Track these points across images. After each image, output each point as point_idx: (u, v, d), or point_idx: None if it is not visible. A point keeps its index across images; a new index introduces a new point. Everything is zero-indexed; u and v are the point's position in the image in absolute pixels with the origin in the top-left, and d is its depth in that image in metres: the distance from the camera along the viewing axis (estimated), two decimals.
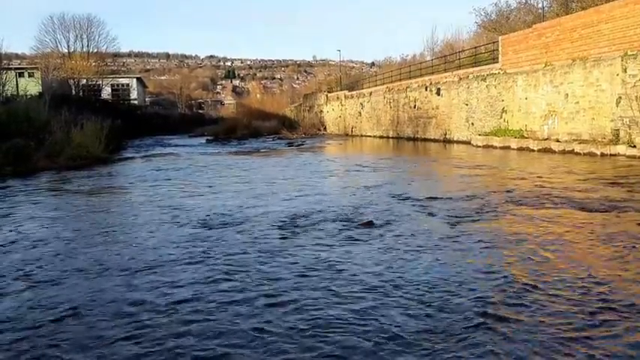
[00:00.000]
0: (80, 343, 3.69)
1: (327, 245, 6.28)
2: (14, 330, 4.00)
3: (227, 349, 3.55)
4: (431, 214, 7.82)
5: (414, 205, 8.55)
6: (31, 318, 4.22)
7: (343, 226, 7.25)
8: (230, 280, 5.12)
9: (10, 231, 7.62)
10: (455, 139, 25.39)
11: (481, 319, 3.97)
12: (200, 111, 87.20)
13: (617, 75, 15.95)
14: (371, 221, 7.41)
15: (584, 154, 15.77)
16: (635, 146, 14.89)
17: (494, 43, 25.06)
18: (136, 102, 60.60)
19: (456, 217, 7.56)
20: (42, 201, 10.44)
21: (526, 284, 4.71)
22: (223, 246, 6.42)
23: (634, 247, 5.76)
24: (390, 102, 34.16)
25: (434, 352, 3.43)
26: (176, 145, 24.73)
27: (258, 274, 5.25)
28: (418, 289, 4.70)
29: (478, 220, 7.38)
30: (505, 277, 4.95)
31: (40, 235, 7.27)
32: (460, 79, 25.70)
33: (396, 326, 3.89)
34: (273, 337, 3.72)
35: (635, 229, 6.50)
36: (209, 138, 29.94)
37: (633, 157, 14.38)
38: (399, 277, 5.01)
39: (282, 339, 3.69)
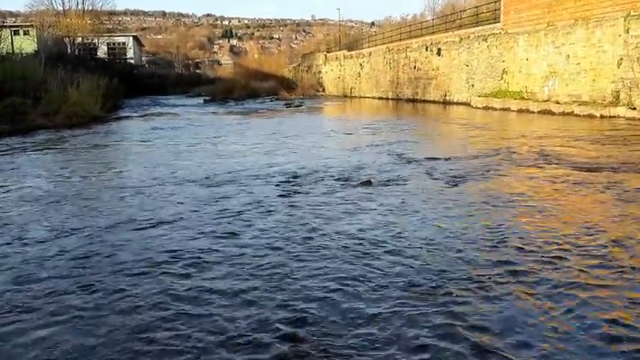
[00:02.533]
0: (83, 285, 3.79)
1: (325, 204, 6.32)
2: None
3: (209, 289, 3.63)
4: (430, 174, 7.84)
5: (412, 166, 8.57)
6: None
7: (341, 185, 7.28)
8: (230, 237, 5.18)
9: (12, 187, 7.65)
10: (454, 100, 25.24)
11: (473, 277, 4.05)
12: (197, 71, 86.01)
13: (620, 36, 15.75)
14: (369, 180, 7.44)
15: (584, 116, 15.72)
16: (635, 108, 14.83)
17: (496, 2, 24.63)
18: (132, 61, 59.76)
19: (455, 177, 7.59)
20: (41, 158, 10.44)
21: (519, 241, 4.78)
22: (222, 203, 6.46)
23: (630, 202, 5.83)
24: (389, 62, 33.77)
25: (421, 307, 3.52)
26: (173, 105, 24.54)
27: (256, 231, 5.31)
28: (413, 246, 4.76)
29: (476, 180, 7.41)
30: (502, 234, 5.01)
31: (42, 192, 7.30)
32: (461, 39, 25.36)
33: (382, 286, 3.97)
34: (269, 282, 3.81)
35: (632, 185, 6.55)
36: (206, 98, 29.67)
37: (633, 119, 14.34)
38: (394, 235, 5.07)
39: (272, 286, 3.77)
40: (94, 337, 3.12)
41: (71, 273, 4.22)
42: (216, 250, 4.73)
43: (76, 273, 4.21)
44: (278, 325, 3.24)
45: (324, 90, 48.21)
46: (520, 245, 4.67)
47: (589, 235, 4.89)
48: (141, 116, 19.34)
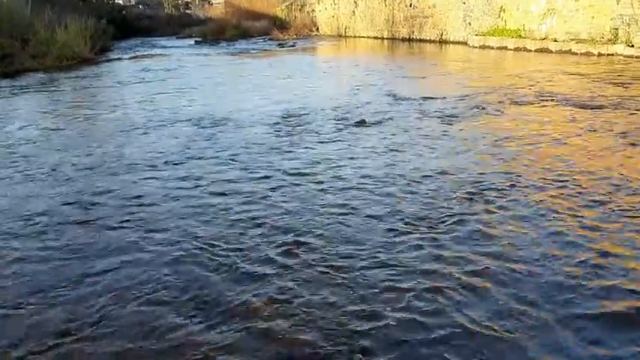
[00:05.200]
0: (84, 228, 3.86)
1: (319, 143, 6.34)
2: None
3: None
4: (425, 113, 7.82)
5: (408, 105, 8.52)
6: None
7: (336, 124, 7.27)
8: (226, 176, 5.22)
9: (6, 129, 7.61)
10: (451, 39, 24.77)
11: (465, 210, 4.13)
12: (187, 11, 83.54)
13: None
14: (363, 120, 7.42)
15: (581, 54, 15.53)
16: (632, 46, 14.64)
17: None
18: (120, 2, 58.00)
19: (451, 115, 7.58)
20: (33, 100, 10.31)
21: (513, 176, 4.84)
22: (218, 144, 6.47)
23: (624, 138, 5.87)
24: (384, 0, 32.89)
25: (424, 234, 3.61)
26: (163, 47, 24.03)
27: (252, 171, 5.35)
28: (407, 182, 4.82)
29: (472, 118, 7.41)
30: (494, 170, 5.07)
31: (36, 134, 7.27)
32: None
33: (374, 216, 4.05)
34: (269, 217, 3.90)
35: (628, 122, 6.57)
36: (197, 39, 29.00)
37: (630, 56, 14.18)
38: (389, 172, 5.12)
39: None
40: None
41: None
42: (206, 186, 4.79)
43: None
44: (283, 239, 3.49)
45: (317, 30, 47.04)
46: (512, 183, 4.74)
47: (578, 169, 4.95)
48: (131, 58, 18.97)
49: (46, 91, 11.72)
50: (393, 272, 3.19)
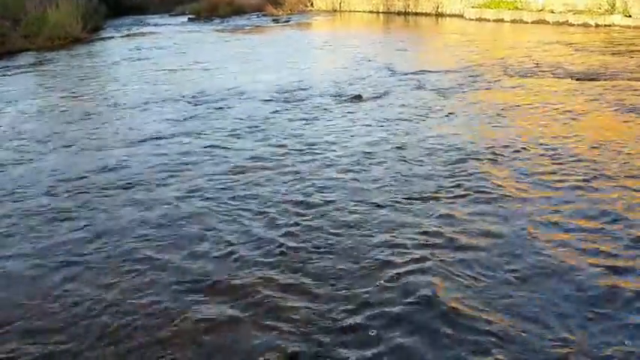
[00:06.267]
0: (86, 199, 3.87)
1: (316, 118, 6.30)
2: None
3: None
4: (421, 87, 7.77)
5: (403, 79, 8.46)
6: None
7: (332, 99, 7.23)
8: (222, 149, 5.21)
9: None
10: (447, 12, 24.48)
11: (459, 181, 4.13)
12: None
13: None
14: (359, 95, 7.37)
15: (579, 25, 15.40)
16: (630, 16, 14.51)
17: None
18: None
19: (446, 88, 7.54)
20: (26, 80, 10.21)
21: (509, 144, 4.84)
22: (214, 119, 6.43)
23: (620, 107, 5.87)
24: None
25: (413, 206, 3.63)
26: (156, 25, 23.72)
27: (239, 149, 5.32)
28: (402, 155, 4.82)
29: (468, 91, 7.37)
30: (488, 143, 5.06)
31: (31, 113, 7.20)
32: None
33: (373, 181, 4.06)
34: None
35: (627, 91, 6.55)
36: (191, 17, 28.59)
37: (627, 27, 14.07)
38: (383, 145, 5.11)
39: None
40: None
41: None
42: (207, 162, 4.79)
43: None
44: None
45: (312, 5, 46.50)
46: (510, 154, 4.74)
47: (574, 138, 4.95)
48: (124, 36, 18.72)
49: (39, 71, 11.59)
50: (391, 223, 3.24)
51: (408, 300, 2.68)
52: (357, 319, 2.57)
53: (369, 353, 2.34)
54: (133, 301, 2.80)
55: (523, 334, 2.40)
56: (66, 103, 7.98)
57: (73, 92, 8.75)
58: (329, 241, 3.32)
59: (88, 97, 8.36)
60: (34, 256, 3.31)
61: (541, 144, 4.91)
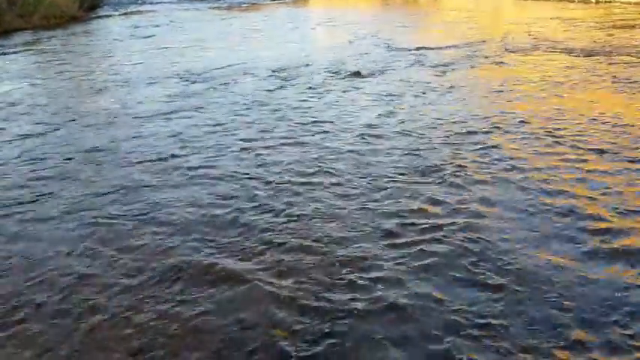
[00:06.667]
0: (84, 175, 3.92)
1: (316, 95, 6.31)
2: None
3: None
4: (421, 63, 7.75)
5: (402, 56, 8.43)
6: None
7: (330, 76, 7.21)
8: (229, 124, 5.23)
9: None
10: None
11: (455, 160, 4.17)
12: None
13: None
14: (358, 72, 7.36)
15: (579, 2, 15.28)
16: None
17: None
18: None
19: (445, 65, 7.52)
20: (22, 60, 10.16)
21: (509, 118, 4.86)
22: (218, 95, 6.44)
23: (619, 81, 5.87)
24: None
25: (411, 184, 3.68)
26: (153, 3, 23.51)
27: (246, 123, 5.35)
28: (398, 131, 4.84)
29: (468, 66, 7.36)
30: (488, 116, 5.08)
31: (30, 91, 7.19)
32: None
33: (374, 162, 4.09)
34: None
35: (628, 67, 6.55)
36: None
37: (628, 2, 13.97)
38: (380, 123, 5.13)
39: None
40: None
41: None
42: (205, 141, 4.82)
43: None
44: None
45: None
46: (510, 128, 4.76)
47: (572, 113, 4.97)
48: (121, 15, 18.56)
49: (35, 49, 11.52)
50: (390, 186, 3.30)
51: (414, 264, 2.77)
52: (363, 278, 2.68)
53: (374, 307, 2.48)
54: (150, 254, 2.98)
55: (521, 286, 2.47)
56: (66, 80, 7.96)
57: (71, 71, 8.72)
58: (334, 209, 3.41)
59: (87, 74, 8.33)
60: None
61: (541, 117, 4.94)
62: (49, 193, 3.85)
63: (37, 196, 3.83)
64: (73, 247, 3.11)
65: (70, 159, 4.53)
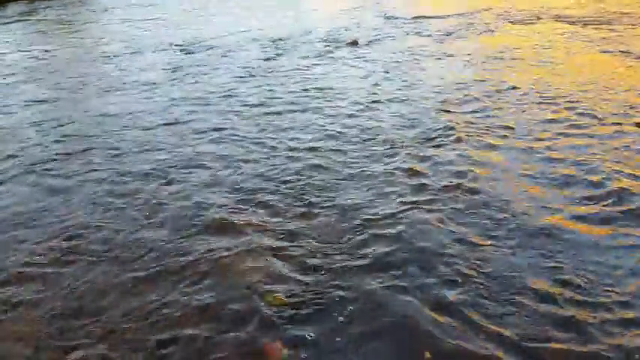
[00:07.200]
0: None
1: (313, 65, 6.34)
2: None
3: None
4: (417, 33, 7.80)
5: (400, 25, 8.45)
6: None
7: (327, 45, 7.25)
8: (228, 93, 5.31)
9: None
10: None
11: (451, 127, 4.26)
12: None
13: None
14: (355, 41, 7.41)
15: None
16: None
17: None
18: None
19: (444, 34, 7.57)
20: (16, 30, 10.08)
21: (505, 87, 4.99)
22: (216, 65, 6.48)
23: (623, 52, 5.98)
24: None
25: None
26: None
27: (244, 93, 5.42)
28: (394, 101, 4.94)
29: (466, 37, 7.41)
30: (487, 83, 5.20)
31: (27, 63, 7.17)
32: None
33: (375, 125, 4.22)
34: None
35: (626, 36, 6.65)
36: None
37: None
38: (378, 93, 5.20)
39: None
40: None
41: None
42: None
43: None
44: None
45: None
46: (510, 99, 4.89)
47: (571, 82, 5.09)
48: None
49: (33, 19, 11.39)
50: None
51: (411, 230, 2.83)
52: (361, 239, 2.79)
53: (373, 266, 2.58)
54: (151, 218, 3.10)
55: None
56: (69, 49, 7.94)
57: (73, 40, 8.68)
58: (337, 177, 3.46)
59: (89, 44, 8.30)
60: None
61: (539, 84, 5.06)
62: (69, 153, 4.00)
63: (57, 155, 3.98)
64: (92, 199, 3.32)
65: (84, 123, 4.62)
